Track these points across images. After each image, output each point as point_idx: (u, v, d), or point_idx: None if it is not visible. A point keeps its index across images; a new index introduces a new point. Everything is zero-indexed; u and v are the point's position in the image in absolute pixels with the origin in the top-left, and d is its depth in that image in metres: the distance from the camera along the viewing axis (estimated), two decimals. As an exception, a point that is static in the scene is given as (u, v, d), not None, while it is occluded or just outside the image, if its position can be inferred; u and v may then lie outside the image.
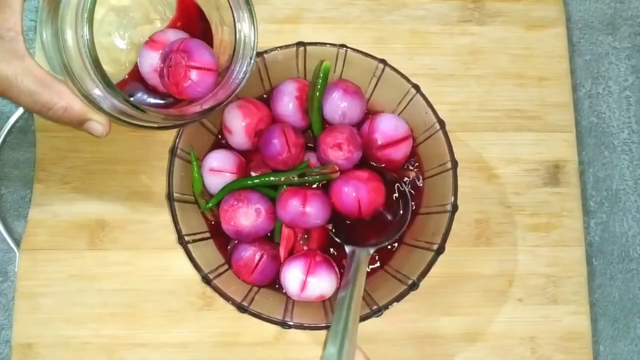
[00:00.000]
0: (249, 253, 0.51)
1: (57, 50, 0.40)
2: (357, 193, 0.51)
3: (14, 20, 0.41)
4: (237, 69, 0.47)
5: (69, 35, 0.40)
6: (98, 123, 0.44)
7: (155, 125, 0.45)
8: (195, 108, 0.46)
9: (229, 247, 0.54)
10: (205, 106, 0.46)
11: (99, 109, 0.42)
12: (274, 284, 0.53)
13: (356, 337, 0.44)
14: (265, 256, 0.51)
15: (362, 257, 0.50)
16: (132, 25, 0.49)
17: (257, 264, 0.51)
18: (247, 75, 0.47)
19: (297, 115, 0.53)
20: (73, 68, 0.40)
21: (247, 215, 0.51)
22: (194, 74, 0.45)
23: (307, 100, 0.53)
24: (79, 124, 0.44)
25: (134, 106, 0.42)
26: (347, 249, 0.52)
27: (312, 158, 0.54)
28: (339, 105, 0.53)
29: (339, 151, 0.52)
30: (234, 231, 0.51)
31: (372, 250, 0.52)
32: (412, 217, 0.54)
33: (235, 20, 0.47)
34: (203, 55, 0.46)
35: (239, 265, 0.52)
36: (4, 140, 0.60)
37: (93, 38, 0.40)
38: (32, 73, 0.42)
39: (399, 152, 0.53)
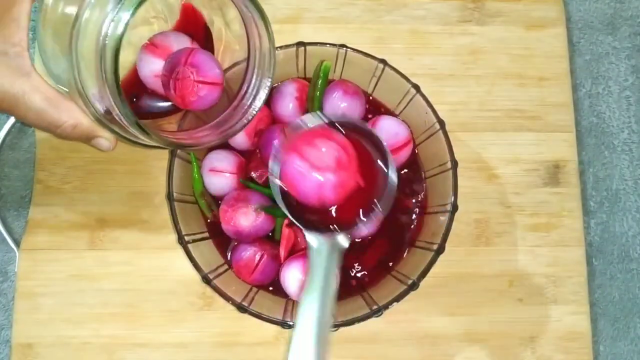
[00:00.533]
0: (249, 253, 0.51)
1: (70, 71, 0.39)
2: (318, 182, 0.38)
3: (20, 36, 0.40)
4: (250, 89, 0.47)
5: (86, 63, 0.38)
6: (105, 139, 0.44)
7: (163, 146, 0.44)
8: (210, 137, 0.46)
9: (229, 247, 0.54)
10: (223, 134, 0.46)
11: (110, 130, 0.41)
12: (274, 284, 0.53)
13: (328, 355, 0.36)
14: (265, 256, 0.51)
15: (328, 248, 0.39)
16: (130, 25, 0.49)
17: (257, 264, 0.51)
18: (263, 100, 0.47)
19: (297, 116, 0.53)
20: (86, 91, 0.39)
21: (247, 215, 0.51)
22: (202, 90, 0.45)
23: (307, 101, 0.53)
24: (87, 140, 0.43)
25: (157, 138, 0.41)
26: (308, 236, 0.39)
27: (312, 158, 0.54)
28: (339, 106, 0.53)
29: None
30: (234, 231, 0.51)
31: (343, 241, 0.38)
32: (419, 217, 0.54)
33: (249, 36, 0.46)
34: (211, 69, 0.46)
35: (239, 265, 0.52)
36: (4, 140, 0.60)
37: (119, 78, 0.38)
38: (40, 91, 0.40)
39: (400, 158, 0.53)
